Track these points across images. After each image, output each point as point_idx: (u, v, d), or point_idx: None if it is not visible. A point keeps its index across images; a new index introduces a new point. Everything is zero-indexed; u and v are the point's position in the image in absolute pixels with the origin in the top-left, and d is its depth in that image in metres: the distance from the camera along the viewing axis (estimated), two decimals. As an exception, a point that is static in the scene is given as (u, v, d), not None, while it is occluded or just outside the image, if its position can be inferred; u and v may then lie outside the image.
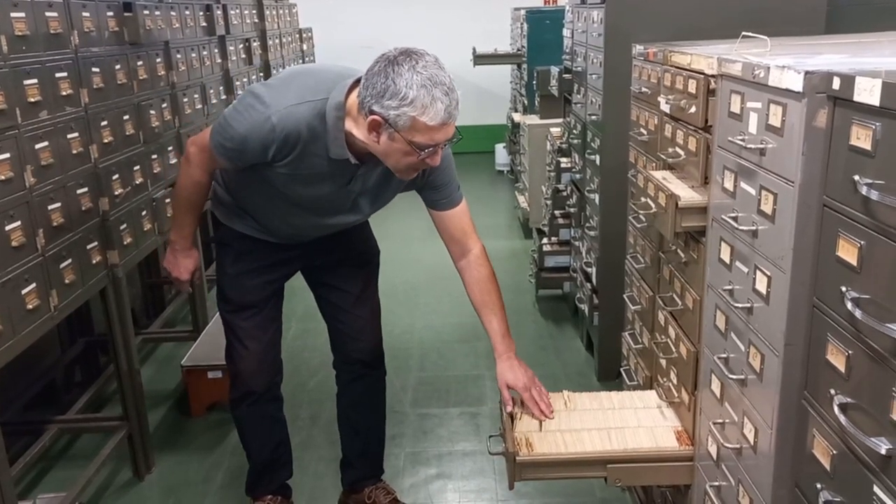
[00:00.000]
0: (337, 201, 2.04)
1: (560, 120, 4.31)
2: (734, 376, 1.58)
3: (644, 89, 2.36)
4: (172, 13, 3.26)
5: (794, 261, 1.33)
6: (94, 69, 2.54)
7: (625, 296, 2.55)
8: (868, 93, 1.08)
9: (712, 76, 1.72)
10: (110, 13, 2.69)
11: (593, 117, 3.25)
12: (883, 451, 1.05)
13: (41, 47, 2.24)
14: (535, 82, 5.01)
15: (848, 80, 1.13)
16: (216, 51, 3.90)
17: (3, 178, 2.00)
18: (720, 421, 1.69)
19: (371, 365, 2.43)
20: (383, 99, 1.72)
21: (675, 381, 2.02)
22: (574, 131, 3.69)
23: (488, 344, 2.18)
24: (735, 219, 1.54)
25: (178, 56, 3.33)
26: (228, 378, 2.38)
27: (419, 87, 1.70)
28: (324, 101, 1.84)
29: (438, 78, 1.72)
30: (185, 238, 2.24)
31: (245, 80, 4.31)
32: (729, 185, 1.59)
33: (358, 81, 1.82)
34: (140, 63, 2.91)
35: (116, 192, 2.63)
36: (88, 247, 2.44)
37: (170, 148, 3.14)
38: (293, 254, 2.25)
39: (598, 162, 3.18)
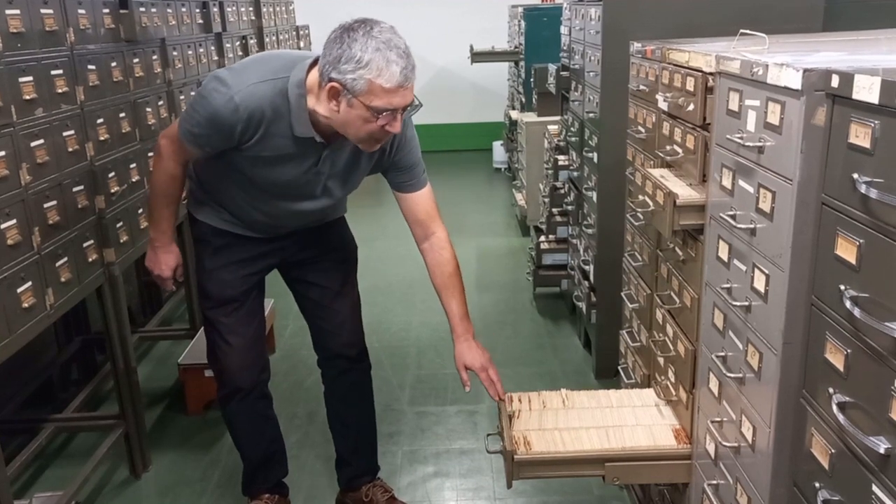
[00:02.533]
0: (307, 186, 2.05)
1: (558, 118, 4.30)
2: (732, 375, 1.58)
3: (642, 87, 2.36)
4: (169, 10, 3.25)
5: (792, 259, 1.32)
6: (90, 66, 2.53)
7: (622, 294, 2.55)
8: (867, 91, 1.08)
9: (710, 74, 1.72)
10: (106, 10, 2.68)
11: (591, 115, 3.24)
12: (881, 451, 1.05)
13: (37, 44, 2.23)
14: (532, 80, 5.00)
15: (846, 78, 1.13)
16: (213, 48, 3.88)
17: (-2, 175, 2.00)
18: (718, 419, 1.69)
19: (354, 359, 2.42)
20: (340, 64, 1.75)
21: (672, 380, 2.02)
22: (572, 129, 3.69)
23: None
24: (733, 217, 1.54)
25: (175, 53, 3.32)
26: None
27: (374, 51, 1.74)
28: (285, 80, 1.87)
29: (393, 42, 1.76)
30: (164, 233, 2.25)
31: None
32: (727, 183, 1.59)
33: (317, 60, 1.85)
34: (136, 60, 2.91)
35: (112, 190, 2.62)
36: (84, 245, 2.43)
37: (166, 146, 3.13)
38: (270, 247, 2.25)
39: (595, 160, 3.18)
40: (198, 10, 3.66)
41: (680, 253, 1.93)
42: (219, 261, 2.22)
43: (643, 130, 2.33)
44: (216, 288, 2.23)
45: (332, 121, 1.85)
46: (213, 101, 1.87)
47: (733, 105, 1.55)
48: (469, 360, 2.11)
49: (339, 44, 1.76)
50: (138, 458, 2.79)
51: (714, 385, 1.71)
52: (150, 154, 2.97)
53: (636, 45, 2.44)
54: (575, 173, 3.69)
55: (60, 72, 2.34)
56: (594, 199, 3.22)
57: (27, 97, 2.15)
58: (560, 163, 3.90)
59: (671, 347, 2.00)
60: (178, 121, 2.01)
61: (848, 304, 1.12)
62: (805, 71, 1.25)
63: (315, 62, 1.87)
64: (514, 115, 6.14)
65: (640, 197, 2.05)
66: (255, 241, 2.22)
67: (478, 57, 6.60)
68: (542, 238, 4.20)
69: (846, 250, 1.15)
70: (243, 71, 1.91)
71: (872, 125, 1.07)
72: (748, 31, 1.78)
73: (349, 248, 2.40)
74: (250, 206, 2.12)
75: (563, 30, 3.91)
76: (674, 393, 2.01)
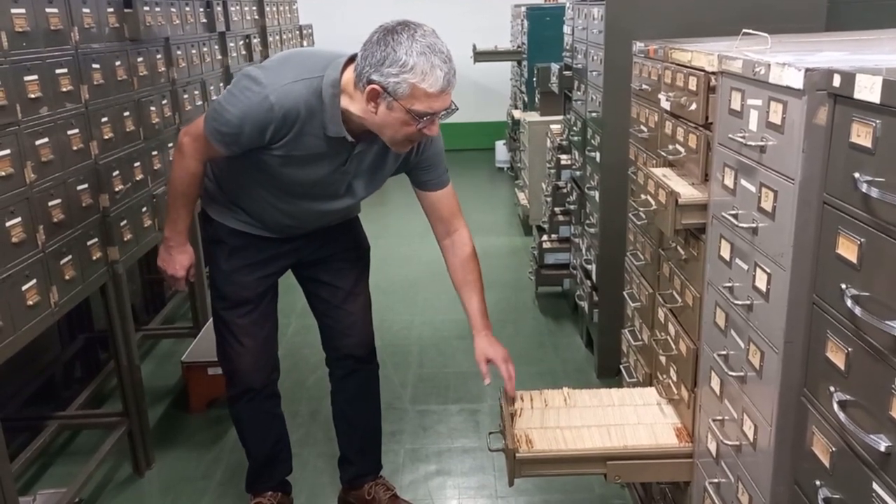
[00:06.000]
0: (332, 185, 2.04)
1: (560, 117, 4.31)
2: (734, 373, 1.58)
3: (644, 86, 2.36)
4: (173, 9, 3.26)
5: (793, 258, 1.33)
6: (95, 65, 2.54)
7: (624, 293, 2.55)
8: (868, 90, 1.08)
9: (713, 73, 1.72)
10: (110, 9, 2.69)
11: (593, 114, 3.24)
12: (882, 449, 1.05)
13: (41, 43, 2.24)
14: (535, 79, 5.00)
15: (848, 78, 1.13)
16: (216, 47, 3.90)
17: (3, 174, 2.00)
18: (719, 418, 1.69)
19: (363, 360, 2.42)
20: (383, 67, 1.73)
21: (674, 378, 2.02)
22: (574, 128, 3.69)
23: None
24: (735, 216, 1.55)
25: (179, 52, 3.33)
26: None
27: (419, 55, 1.72)
28: (319, 79, 1.85)
29: (437, 46, 1.75)
30: (180, 233, 2.22)
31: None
32: (729, 182, 1.60)
33: (351, 59, 1.84)
34: (140, 59, 2.91)
35: (116, 189, 2.63)
36: (89, 243, 2.44)
37: (170, 144, 3.13)
38: (286, 248, 2.25)
39: (598, 159, 3.18)
40: (201, 10, 3.67)
41: (682, 252, 1.94)
42: (235, 262, 2.21)
43: (645, 130, 2.34)
44: (232, 290, 2.23)
45: (367, 122, 1.84)
46: (246, 100, 1.84)
47: (735, 104, 1.56)
48: (491, 353, 2.12)
49: (383, 46, 1.73)
50: (141, 455, 2.80)
51: (715, 384, 1.71)
52: (154, 153, 2.98)
53: (639, 45, 2.44)
54: (577, 172, 3.69)
55: (65, 70, 2.35)
56: (596, 198, 3.23)
57: (32, 96, 2.16)
58: (562, 162, 3.90)
59: (673, 346, 2.00)
60: (204, 119, 1.96)
61: (849, 302, 1.12)
62: (807, 70, 1.25)
63: (349, 61, 1.85)
64: (517, 114, 6.15)
65: (643, 196, 2.06)
66: (272, 242, 2.21)
67: (480, 56, 6.60)
68: (545, 237, 4.20)
69: (847, 249, 1.16)
70: (277, 69, 1.88)
71: (874, 125, 1.08)
72: (750, 31, 1.79)
73: (363, 247, 2.40)
74: (271, 206, 2.11)
75: (566, 29, 3.92)
76: (675, 391, 2.02)
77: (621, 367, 2.62)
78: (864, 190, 1.08)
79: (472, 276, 2.16)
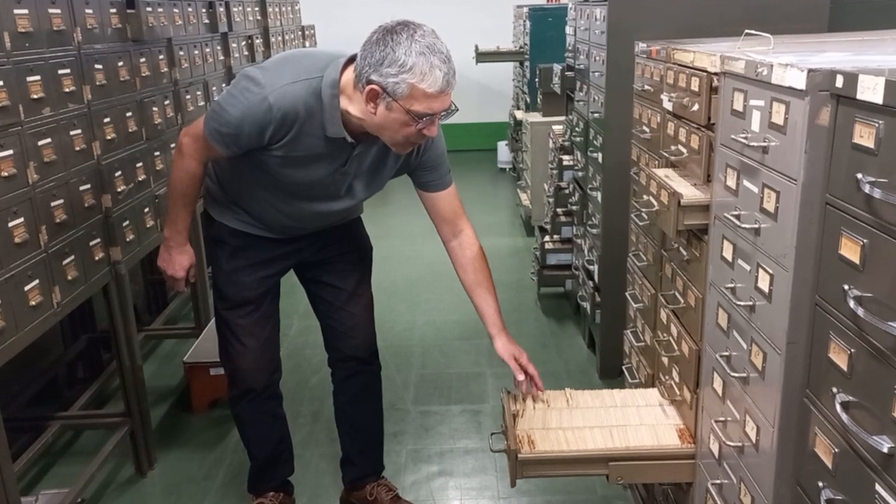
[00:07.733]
0: (332, 186, 2.04)
1: (562, 117, 4.30)
2: (736, 374, 1.58)
3: (647, 87, 2.36)
4: (175, 10, 3.26)
5: (796, 259, 1.33)
6: (97, 66, 2.54)
7: (627, 294, 2.55)
8: (871, 91, 1.08)
9: (715, 74, 1.72)
10: (113, 10, 2.69)
11: (595, 115, 3.24)
12: (885, 450, 1.05)
13: (44, 44, 2.24)
14: (537, 80, 5.00)
15: (851, 78, 1.13)
16: (219, 48, 3.90)
17: (5, 174, 2.00)
18: (722, 419, 1.69)
19: (365, 361, 2.43)
20: (382, 67, 1.73)
21: (676, 379, 2.02)
22: (576, 129, 3.69)
23: (490, 341, 2.19)
24: (737, 217, 1.54)
25: (181, 53, 3.33)
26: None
27: (418, 55, 1.72)
28: (319, 80, 1.85)
29: (436, 47, 1.75)
30: (180, 233, 2.22)
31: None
32: (731, 182, 1.59)
33: (351, 60, 1.84)
34: (143, 60, 2.92)
35: (119, 189, 2.63)
36: (91, 243, 2.45)
37: (172, 145, 3.13)
38: (288, 249, 2.25)
39: (600, 160, 3.18)
40: (204, 10, 3.67)
41: (684, 253, 1.94)
42: (236, 262, 2.21)
43: (648, 130, 2.34)
44: (233, 290, 2.23)
45: (367, 123, 1.84)
46: (245, 100, 1.84)
47: (738, 105, 1.56)
48: (517, 352, 2.12)
49: (382, 46, 1.73)
50: (143, 456, 2.80)
51: (718, 385, 1.71)
52: (157, 153, 2.99)
53: (641, 45, 2.44)
54: (579, 173, 3.69)
55: (68, 71, 2.35)
56: (599, 199, 3.23)
57: (35, 96, 2.16)
58: (564, 163, 3.90)
59: (675, 347, 2.00)
60: (204, 119, 1.97)
61: (851, 303, 1.12)
62: (809, 71, 1.25)
63: (348, 62, 1.85)
64: (519, 115, 6.14)
65: (645, 197, 2.05)
66: (273, 243, 2.21)
67: (483, 57, 6.60)
68: (547, 238, 4.20)
69: (850, 250, 1.15)
70: (276, 70, 1.88)
71: (876, 125, 1.08)
72: (753, 32, 1.79)
73: (365, 248, 2.40)
74: (272, 206, 2.11)
75: (568, 30, 3.91)
76: (678, 392, 2.01)
77: (623, 367, 2.62)
78: (866, 191, 1.08)
79: (483, 276, 2.16)
